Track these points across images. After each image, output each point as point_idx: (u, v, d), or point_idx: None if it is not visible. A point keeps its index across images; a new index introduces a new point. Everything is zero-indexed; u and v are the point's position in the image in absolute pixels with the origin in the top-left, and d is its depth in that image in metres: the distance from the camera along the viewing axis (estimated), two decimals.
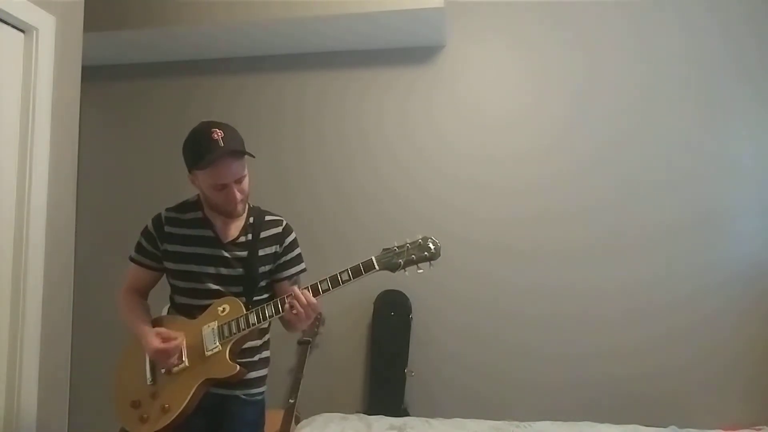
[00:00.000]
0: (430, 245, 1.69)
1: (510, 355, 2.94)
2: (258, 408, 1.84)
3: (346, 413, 2.62)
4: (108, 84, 3.43)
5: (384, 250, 1.70)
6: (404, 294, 3.02)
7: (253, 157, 1.71)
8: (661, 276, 2.86)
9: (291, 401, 2.79)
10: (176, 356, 1.68)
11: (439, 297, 3.03)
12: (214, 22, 2.89)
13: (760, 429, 2.52)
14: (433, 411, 2.76)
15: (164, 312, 1.91)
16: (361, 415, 2.65)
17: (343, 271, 1.68)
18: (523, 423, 2.49)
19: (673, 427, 2.53)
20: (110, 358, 1.91)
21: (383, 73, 3.18)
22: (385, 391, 2.93)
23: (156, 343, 1.67)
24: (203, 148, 1.63)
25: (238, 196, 1.71)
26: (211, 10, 2.87)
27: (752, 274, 2.80)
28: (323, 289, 1.69)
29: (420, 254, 1.68)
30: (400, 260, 1.67)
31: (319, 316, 3.04)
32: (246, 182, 1.74)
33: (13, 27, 2.06)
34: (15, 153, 2.06)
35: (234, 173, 1.68)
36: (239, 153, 1.67)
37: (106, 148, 3.40)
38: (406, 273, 1.68)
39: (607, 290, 2.89)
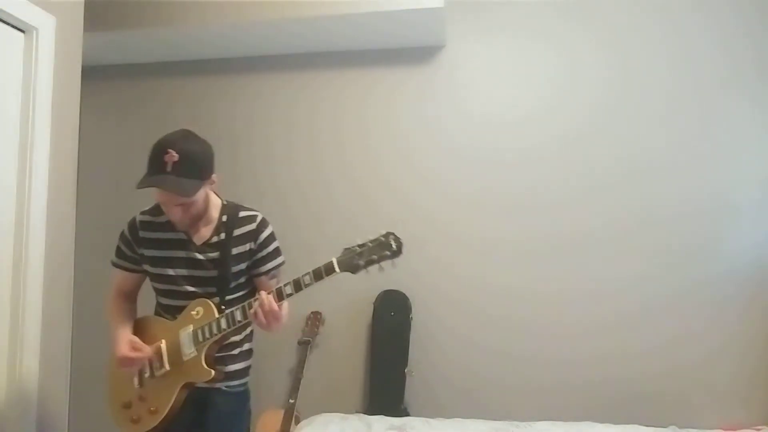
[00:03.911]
0: (392, 243, 1.63)
1: (510, 356, 2.94)
2: (240, 399, 1.89)
3: (346, 413, 2.62)
4: (108, 84, 3.43)
5: (345, 250, 1.65)
6: (404, 294, 3.01)
7: (190, 198, 1.67)
8: (662, 277, 2.85)
9: (291, 401, 2.79)
10: (139, 367, 1.75)
11: (439, 297, 3.03)
12: (215, 22, 2.88)
13: (760, 429, 2.52)
14: (433, 411, 2.76)
15: None
16: (361, 415, 2.64)
17: (305, 274, 1.66)
18: (523, 423, 2.49)
19: (673, 427, 2.54)
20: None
21: (383, 73, 3.17)
22: (385, 391, 2.93)
23: (124, 350, 1.73)
24: (151, 166, 1.66)
25: (178, 216, 1.71)
26: (212, 11, 2.87)
27: (751, 275, 2.79)
28: (287, 293, 1.68)
29: (381, 253, 1.63)
30: (361, 261, 1.62)
31: (319, 316, 3.04)
32: (196, 206, 1.72)
33: (13, 27, 2.06)
34: (15, 153, 2.07)
35: (171, 200, 1.68)
36: (176, 190, 1.64)
37: (106, 148, 3.40)
38: (368, 272, 1.64)
39: (607, 291, 2.89)
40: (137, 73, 3.42)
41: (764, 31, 2.85)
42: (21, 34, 2.09)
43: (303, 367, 2.90)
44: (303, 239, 3.00)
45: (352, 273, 1.64)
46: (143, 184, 1.66)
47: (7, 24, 2.04)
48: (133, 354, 1.73)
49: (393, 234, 1.65)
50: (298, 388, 2.83)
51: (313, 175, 3.21)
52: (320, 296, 3.09)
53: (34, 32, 2.10)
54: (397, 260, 1.64)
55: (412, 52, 3.14)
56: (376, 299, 3.02)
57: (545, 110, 3.02)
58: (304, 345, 2.97)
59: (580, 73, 3.00)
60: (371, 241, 1.64)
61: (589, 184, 2.95)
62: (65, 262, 2.28)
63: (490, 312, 2.98)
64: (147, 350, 1.75)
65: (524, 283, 2.96)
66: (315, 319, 3.03)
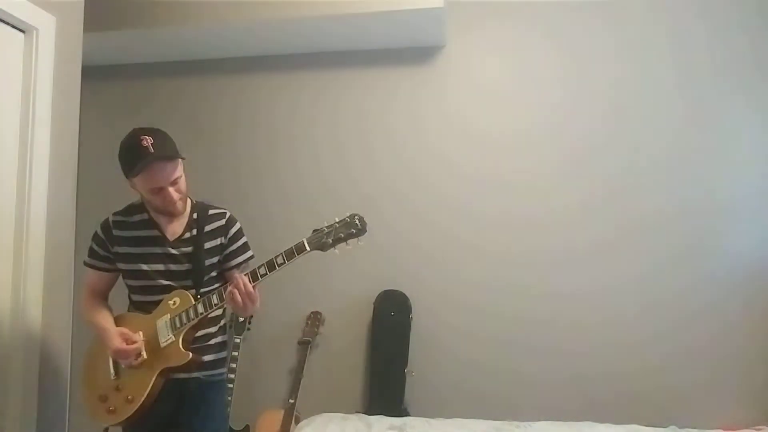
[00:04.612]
0: (357, 222, 1.77)
1: (510, 355, 2.94)
2: (218, 388, 1.99)
3: (346, 413, 2.62)
4: (108, 84, 3.43)
5: (314, 231, 1.79)
6: (404, 294, 3.01)
7: (183, 158, 1.80)
8: (662, 277, 2.86)
9: (291, 401, 2.79)
10: (135, 355, 1.80)
11: (439, 297, 3.03)
12: (214, 22, 2.88)
13: (760, 429, 2.52)
14: (433, 411, 2.76)
15: None
16: (361, 415, 2.64)
17: (278, 255, 1.76)
18: (523, 423, 2.49)
19: (673, 427, 2.53)
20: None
21: (383, 73, 3.17)
22: (385, 391, 2.93)
23: (117, 342, 1.80)
24: (134, 156, 1.73)
25: (176, 196, 1.81)
26: (212, 10, 2.87)
27: (751, 275, 2.79)
28: (261, 274, 1.77)
29: (347, 231, 1.76)
30: (329, 239, 1.75)
31: (319, 316, 3.04)
32: (182, 182, 1.83)
33: (13, 27, 2.06)
34: (15, 153, 2.06)
35: (167, 177, 1.77)
36: (169, 157, 1.76)
37: (106, 148, 3.38)
38: (336, 251, 1.76)
39: (607, 291, 2.89)
40: (137, 73, 3.42)
41: (764, 32, 2.85)
42: (21, 34, 2.09)
43: (303, 367, 2.90)
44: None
45: (322, 250, 1.76)
46: (138, 169, 1.73)
47: (7, 24, 2.03)
48: (127, 346, 1.79)
49: (357, 215, 1.78)
50: (298, 388, 2.84)
51: (314, 173, 3.20)
52: (320, 296, 3.10)
53: (34, 32, 2.10)
54: (361, 239, 1.77)
55: (412, 52, 3.14)
56: (376, 299, 3.02)
57: (545, 110, 3.02)
58: (304, 345, 2.97)
59: (579, 73, 3.00)
60: (338, 222, 1.78)
61: (589, 184, 2.95)
62: (65, 262, 2.27)
63: (490, 312, 2.98)
64: (140, 339, 1.82)
65: (525, 283, 2.96)
66: (315, 319, 3.03)
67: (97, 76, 3.20)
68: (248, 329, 3.05)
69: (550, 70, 3.03)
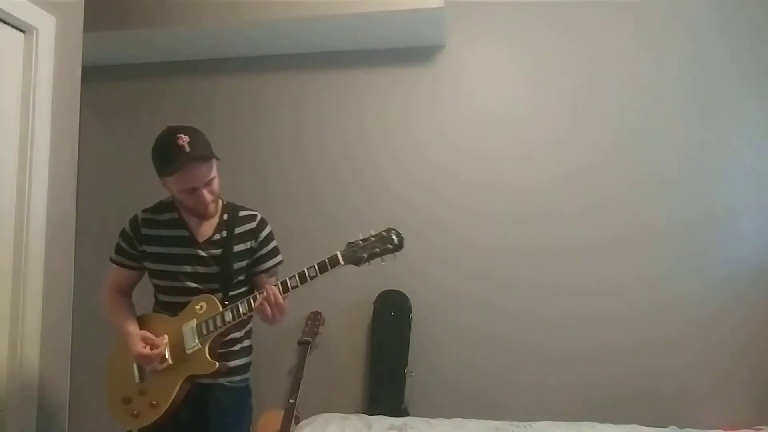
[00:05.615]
0: (393, 237, 1.70)
1: (510, 355, 2.94)
2: (242, 394, 1.93)
3: (346, 413, 2.61)
4: (108, 84, 3.43)
5: (348, 244, 1.73)
6: (404, 294, 3.02)
7: (218, 159, 1.76)
8: (662, 276, 2.86)
9: (291, 401, 2.79)
10: (158, 360, 1.76)
11: (439, 297, 3.03)
12: (214, 22, 2.89)
13: (760, 429, 2.51)
14: (433, 411, 2.75)
15: None
16: (361, 415, 2.64)
17: (310, 267, 1.72)
18: (523, 423, 2.48)
19: (673, 427, 2.53)
20: None
21: (383, 73, 3.17)
22: (385, 391, 2.93)
23: (140, 347, 1.76)
24: (170, 155, 1.68)
25: (208, 197, 1.76)
26: (211, 10, 2.87)
27: (752, 275, 2.79)
28: (292, 285, 1.73)
29: (383, 247, 1.70)
30: (365, 254, 1.70)
31: (319, 316, 3.04)
32: (216, 183, 1.79)
33: (13, 27, 2.06)
34: (15, 153, 2.07)
35: (202, 177, 1.72)
36: (205, 157, 1.72)
37: (106, 148, 3.39)
38: (371, 265, 1.71)
39: (607, 290, 2.89)
40: (137, 73, 3.42)
41: None
42: (21, 34, 2.09)
43: (303, 367, 2.90)
44: (309, 238, 3.00)
45: (356, 265, 1.70)
46: (174, 168, 1.68)
47: (7, 24, 2.03)
48: (150, 351, 1.76)
49: (394, 229, 1.71)
50: (298, 388, 2.83)
51: (313, 173, 3.20)
52: (320, 296, 3.09)
53: (34, 32, 2.10)
54: (398, 254, 1.70)
55: (412, 52, 3.14)
56: (376, 299, 3.02)
57: (545, 110, 3.02)
58: (304, 345, 2.96)
59: (578, 72, 3.00)
60: (373, 236, 1.71)
61: (587, 181, 2.96)
62: (65, 262, 2.28)
63: (490, 312, 2.98)
64: (163, 345, 1.78)
65: (525, 283, 2.96)
66: (315, 319, 3.03)
67: (97, 76, 3.20)
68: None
69: (549, 69, 3.03)
